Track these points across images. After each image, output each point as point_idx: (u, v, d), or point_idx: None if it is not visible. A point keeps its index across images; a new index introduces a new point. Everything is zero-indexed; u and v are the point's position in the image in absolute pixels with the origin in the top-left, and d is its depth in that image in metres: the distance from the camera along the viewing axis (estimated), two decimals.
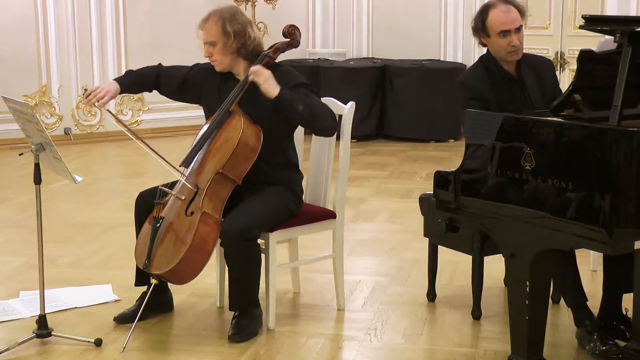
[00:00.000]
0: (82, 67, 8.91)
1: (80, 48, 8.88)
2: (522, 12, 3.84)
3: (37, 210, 3.70)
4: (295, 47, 4.07)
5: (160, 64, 4.21)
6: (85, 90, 4.09)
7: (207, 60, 4.04)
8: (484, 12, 3.83)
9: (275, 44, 3.99)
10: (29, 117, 3.61)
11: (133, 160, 8.22)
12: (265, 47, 4.01)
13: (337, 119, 4.09)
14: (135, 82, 4.13)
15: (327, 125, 3.87)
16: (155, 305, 4.00)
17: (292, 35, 4.04)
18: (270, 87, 3.79)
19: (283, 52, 4.00)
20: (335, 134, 3.99)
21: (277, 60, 3.98)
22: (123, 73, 4.23)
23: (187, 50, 9.12)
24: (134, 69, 4.17)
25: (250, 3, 9.11)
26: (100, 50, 8.98)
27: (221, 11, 3.97)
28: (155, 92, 4.21)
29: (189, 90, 4.13)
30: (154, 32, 9.12)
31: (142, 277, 3.97)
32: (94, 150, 8.68)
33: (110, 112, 4.13)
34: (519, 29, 3.80)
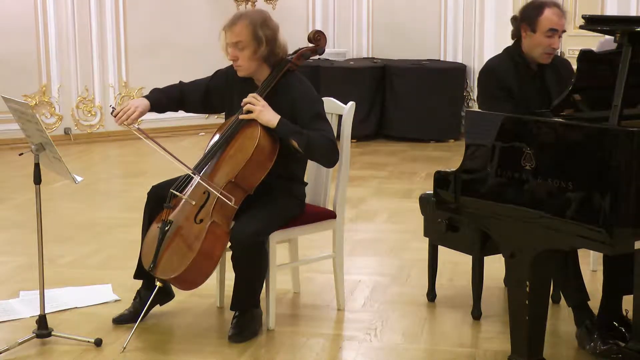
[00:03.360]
0: (82, 67, 8.92)
1: (80, 48, 8.88)
2: (566, 21, 3.97)
3: (37, 210, 3.69)
4: (320, 54, 3.98)
5: (181, 82, 4.07)
6: (113, 109, 3.89)
7: (225, 64, 3.93)
8: (539, 7, 3.90)
9: (300, 49, 3.91)
10: (29, 117, 3.61)
11: (133, 160, 8.22)
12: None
13: (337, 119, 4.08)
14: (162, 98, 3.98)
15: (323, 160, 3.83)
16: (156, 298, 3.93)
17: (317, 41, 3.95)
18: (265, 119, 3.71)
19: (307, 58, 3.93)
20: (335, 135, 3.98)
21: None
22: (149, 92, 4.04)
23: (187, 50, 9.24)
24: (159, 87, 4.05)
25: (250, 3, 9.11)
26: (100, 50, 8.98)
27: (251, 15, 3.82)
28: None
29: (213, 100, 4.02)
30: (154, 32, 9.11)
31: (141, 271, 3.94)
32: (94, 150, 8.67)
33: (140, 130, 3.83)
34: (561, 35, 3.91)
